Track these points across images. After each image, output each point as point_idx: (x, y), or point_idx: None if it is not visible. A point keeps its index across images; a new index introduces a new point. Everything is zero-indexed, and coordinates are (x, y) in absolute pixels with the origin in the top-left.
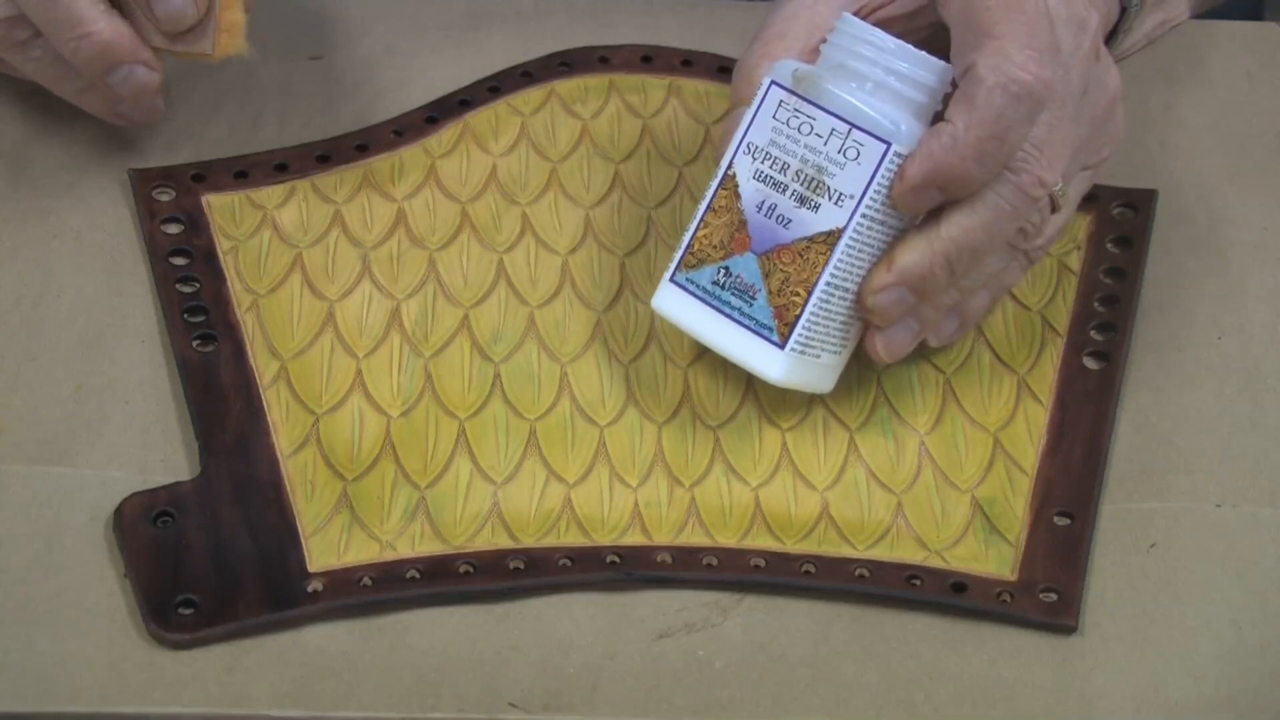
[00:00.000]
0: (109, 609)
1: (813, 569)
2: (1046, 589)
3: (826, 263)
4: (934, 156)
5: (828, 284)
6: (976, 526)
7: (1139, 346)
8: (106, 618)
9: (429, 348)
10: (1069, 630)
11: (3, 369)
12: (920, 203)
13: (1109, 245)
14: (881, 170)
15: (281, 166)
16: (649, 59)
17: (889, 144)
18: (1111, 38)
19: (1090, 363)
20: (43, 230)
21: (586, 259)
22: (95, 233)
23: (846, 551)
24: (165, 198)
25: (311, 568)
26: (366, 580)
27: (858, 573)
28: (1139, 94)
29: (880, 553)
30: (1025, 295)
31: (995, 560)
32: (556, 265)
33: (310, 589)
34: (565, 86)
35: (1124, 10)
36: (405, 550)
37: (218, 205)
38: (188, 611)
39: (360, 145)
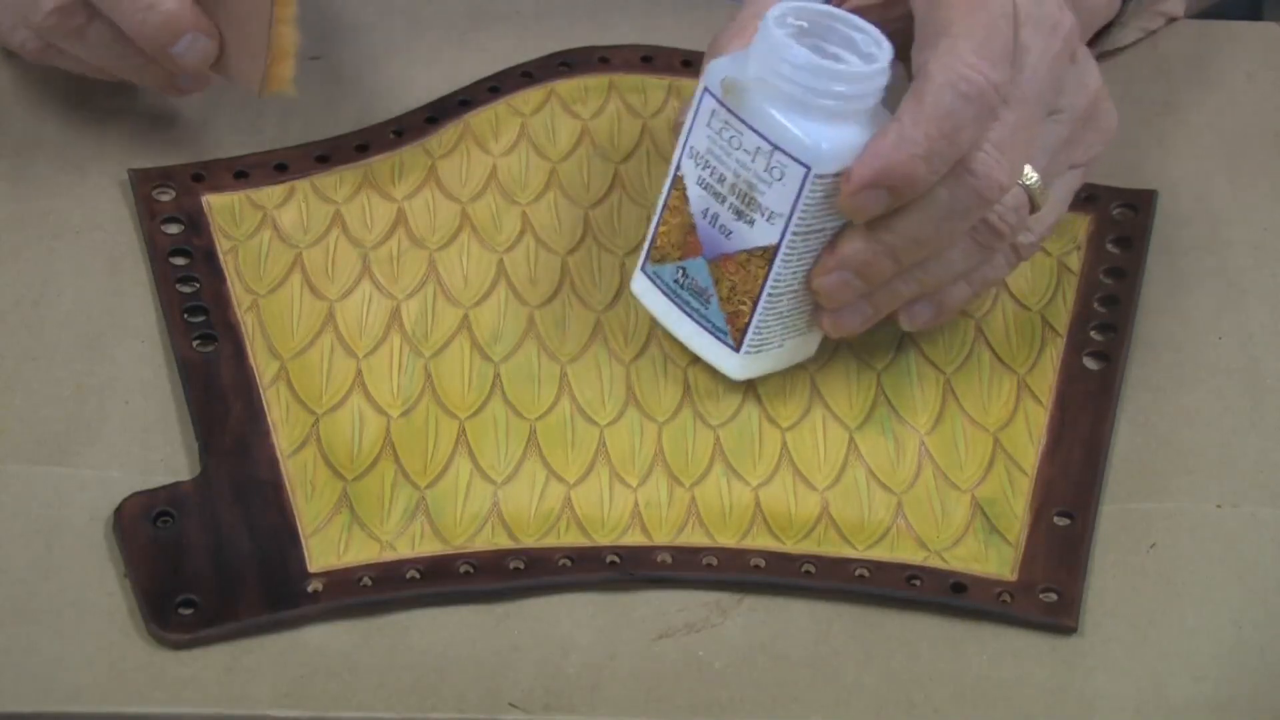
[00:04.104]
0: (109, 609)
1: (813, 569)
2: (1046, 589)
3: (766, 276)
4: (880, 156)
5: (770, 295)
6: (976, 527)
7: (1139, 346)
8: (106, 618)
9: (429, 348)
10: (1069, 630)
11: (3, 369)
12: (868, 205)
13: (1109, 245)
14: (805, 192)
15: (281, 166)
16: (649, 59)
17: (808, 169)
18: (1106, 29)
19: (1090, 363)
20: (43, 230)
21: (586, 259)
22: (95, 233)
23: (846, 551)
24: (165, 198)
25: (311, 568)
26: (366, 580)
27: (858, 573)
28: (1139, 93)
29: (880, 553)
30: (1025, 295)
31: (995, 560)
32: (556, 265)
33: (310, 589)
34: (565, 86)
35: (1125, 2)
36: (405, 550)
37: (218, 205)
38: (188, 611)
39: (360, 145)
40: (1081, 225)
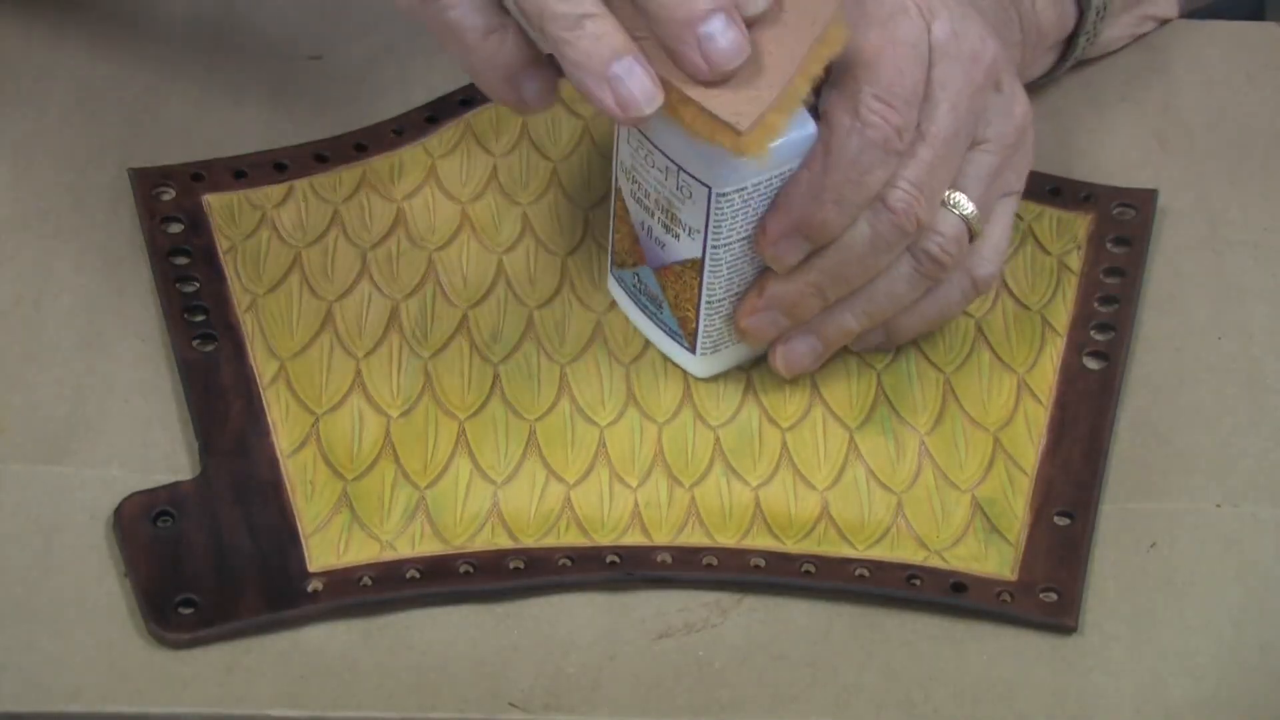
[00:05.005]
0: (109, 609)
1: (813, 569)
2: (1046, 589)
3: (700, 286)
4: (792, 206)
5: (708, 303)
6: (976, 526)
7: (1139, 346)
8: (106, 618)
9: (428, 348)
10: (1069, 630)
11: (3, 369)
12: (786, 254)
13: (1109, 245)
14: (713, 209)
15: (281, 166)
16: None
17: (709, 188)
18: (1072, 41)
19: (1090, 363)
20: (43, 230)
21: (587, 259)
22: (95, 233)
23: (846, 551)
24: (165, 198)
25: (311, 568)
26: (366, 580)
27: (858, 573)
28: (1139, 94)
29: (880, 553)
30: (1025, 295)
31: (995, 560)
32: (556, 265)
33: (310, 589)
34: (566, 86)
35: (1081, 13)
36: (405, 550)
37: (218, 205)
38: (188, 611)
39: (360, 145)
40: (1081, 225)
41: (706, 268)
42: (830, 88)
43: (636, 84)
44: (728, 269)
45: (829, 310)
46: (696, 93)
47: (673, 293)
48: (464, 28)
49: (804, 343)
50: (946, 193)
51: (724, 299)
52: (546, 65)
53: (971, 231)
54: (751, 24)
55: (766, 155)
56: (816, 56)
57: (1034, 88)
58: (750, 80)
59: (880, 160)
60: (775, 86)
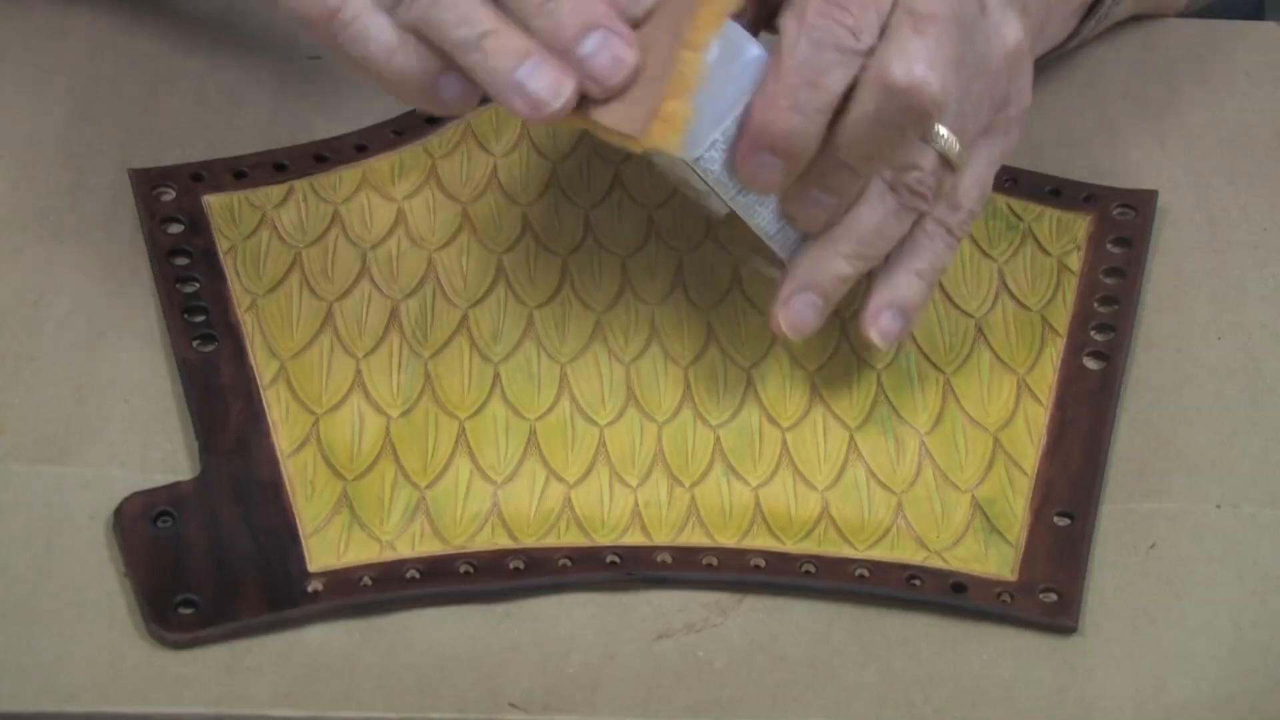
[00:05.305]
0: (109, 609)
1: (813, 569)
2: (1046, 589)
3: (752, 230)
4: (753, 123)
5: (770, 237)
6: (976, 527)
7: (1139, 346)
8: (106, 617)
9: (428, 348)
10: (1069, 630)
11: (3, 369)
12: (759, 172)
13: (1109, 245)
14: (702, 173)
15: (281, 166)
16: None
17: (682, 158)
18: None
19: (1090, 363)
20: (43, 230)
21: (587, 259)
22: (95, 233)
23: (846, 551)
24: (165, 198)
25: (311, 568)
26: (366, 580)
27: (858, 573)
28: (1139, 93)
29: (880, 553)
30: (1025, 295)
31: (995, 560)
32: (557, 266)
33: (310, 589)
34: None
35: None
36: (405, 550)
37: (218, 205)
38: (188, 611)
39: (360, 145)
40: (1081, 225)
41: (742, 216)
42: (782, 12)
43: (542, 84)
44: (760, 205)
45: (818, 257)
46: (590, 110)
47: (751, 236)
48: (368, 54)
49: (802, 299)
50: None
51: (781, 227)
52: (456, 68)
53: (950, 162)
54: (641, 22)
55: (682, 136)
56: (704, 19)
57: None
58: (639, 77)
59: (836, 61)
60: (659, 78)
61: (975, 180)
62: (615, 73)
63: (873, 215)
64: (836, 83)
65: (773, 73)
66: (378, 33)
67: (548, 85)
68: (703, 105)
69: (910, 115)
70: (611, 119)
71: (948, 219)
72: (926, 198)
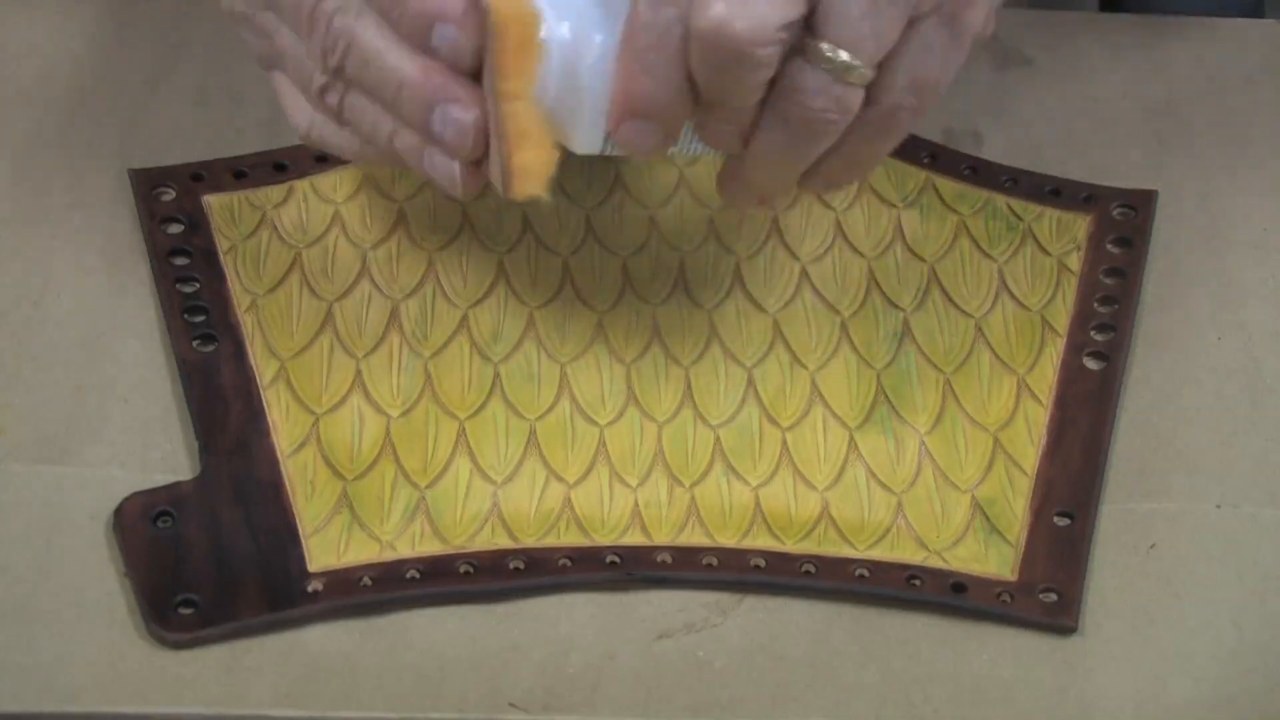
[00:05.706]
0: (109, 609)
1: (813, 569)
2: (1046, 589)
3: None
4: (615, 95)
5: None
6: (976, 527)
7: (1139, 347)
8: (106, 618)
9: (428, 348)
10: (1069, 630)
11: (3, 369)
12: (635, 137)
13: (1109, 245)
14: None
15: (280, 166)
16: None
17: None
18: None
19: (1090, 363)
20: (43, 230)
21: (588, 260)
22: (95, 233)
23: (846, 551)
24: (165, 198)
25: (311, 568)
26: (366, 580)
27: (858, 573)
28: (1139, 93)
29: (880, 553)
30: (1025, 295)
31: (995, 560)
32: (558, 266)
33: (310, 589)
34: None
35: None
36: (405, 550)
37: (217, 205)
38: (188, 611)
39: None
40: (1081, 225)
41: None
42: None
43: (442, 173)
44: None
45: (740, 171)
46: (488, 171)
47: None
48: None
49: (745, 196)
50: (813, 44)
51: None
52: None
53: (848, 82)
54: (480, 71)
55: (545, 181)
56: (512, 68)
57: (1042, 80)
58: (494, 131)
59: (675, 17)
60: (499, 135)
61: (907, 76)
62: (464, 140)
63: (773, 140)
64: (679, 38)
65: (624, 40)
66: (331, 136)
67: (444, 174)
68: (573, 114)
69: (725, 57)
70: (495, 178)
71: (869, 116)
72: (826, 119)
